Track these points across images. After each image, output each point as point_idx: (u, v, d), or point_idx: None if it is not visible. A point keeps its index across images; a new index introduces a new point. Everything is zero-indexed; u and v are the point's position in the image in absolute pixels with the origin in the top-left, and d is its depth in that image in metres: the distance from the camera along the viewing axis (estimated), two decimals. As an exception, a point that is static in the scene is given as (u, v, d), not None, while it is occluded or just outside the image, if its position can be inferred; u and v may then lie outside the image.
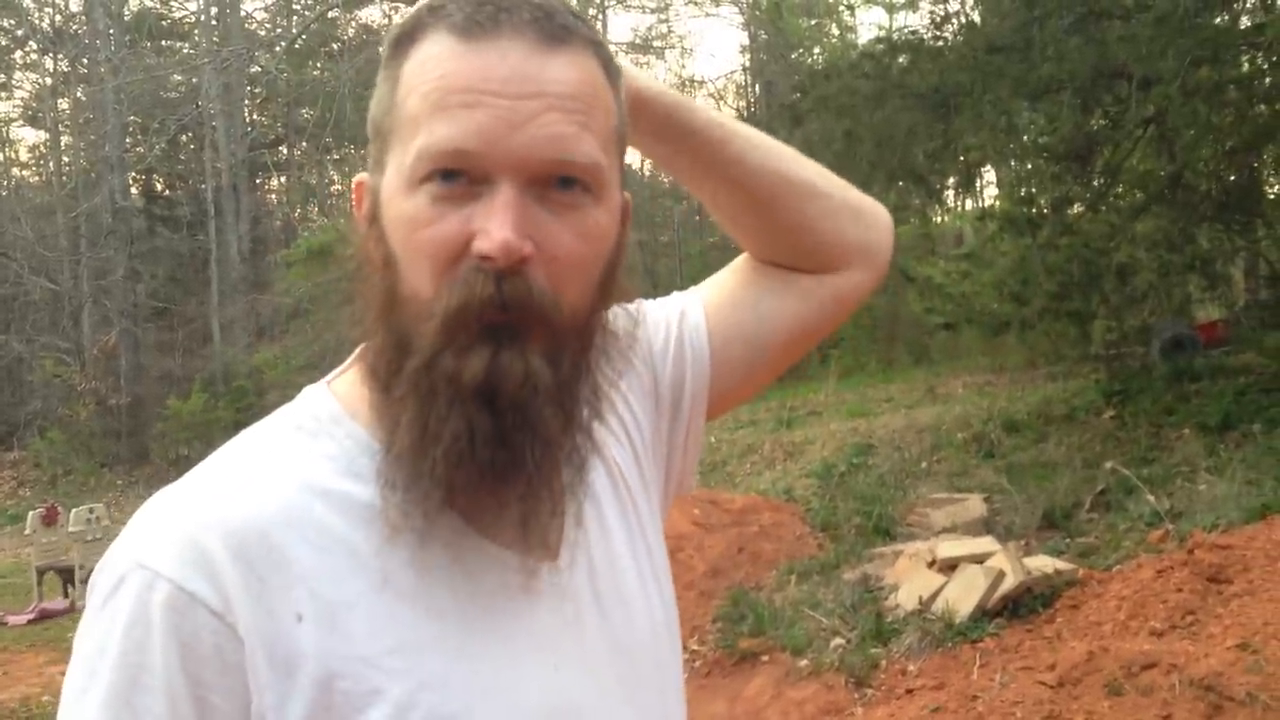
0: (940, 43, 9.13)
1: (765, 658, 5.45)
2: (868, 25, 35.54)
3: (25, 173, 30.58)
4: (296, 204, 29.80)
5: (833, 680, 4.99)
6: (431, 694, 0.73)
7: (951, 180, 10.56)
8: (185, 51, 25.59)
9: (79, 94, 24.14)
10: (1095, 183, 9.56)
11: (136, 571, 0.72)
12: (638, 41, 28.47)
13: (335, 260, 16.00)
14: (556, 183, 0.73)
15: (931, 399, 12.20)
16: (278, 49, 20.31)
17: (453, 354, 0.71)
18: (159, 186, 28.31)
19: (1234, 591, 4.59)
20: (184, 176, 27.31)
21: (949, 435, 9.66)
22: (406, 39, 0.76)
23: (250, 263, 23.72)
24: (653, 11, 28.83)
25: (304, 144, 25.30)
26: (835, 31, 28.23)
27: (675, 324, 1.01)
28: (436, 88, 0.73)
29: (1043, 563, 5.41)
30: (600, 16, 25.05)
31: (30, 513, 10.83)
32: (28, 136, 33.87)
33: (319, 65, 24.43)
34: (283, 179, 29.10)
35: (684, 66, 35.06)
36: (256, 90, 26.41)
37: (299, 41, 21.96)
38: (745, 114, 26.62)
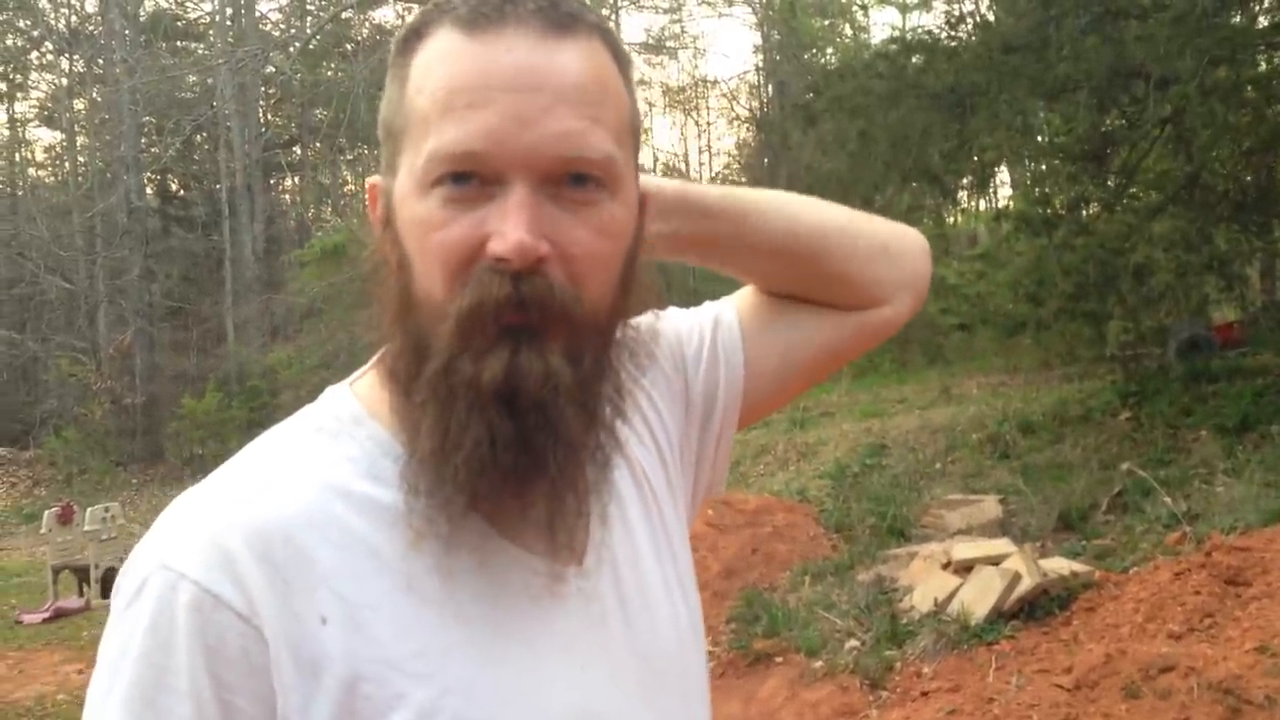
0: (955, 42, 9.08)
1: (779, 659, 5.44)
2: (880, 25, 35.48)
3: (41, 173, 30.92)
4: (310, 204, 29.95)
5: (847, 682, 4.98)
6: (455, 699, 0.73)
7: (966, 180, 10.50)
8: (200, 52, 25.76)
9: (94, 94, 24.32)
10: (1111, 183, 9.52)
11: (160, 573, 0.71)
12: (650, 42, 28.50)
13: (349, 260, 16.08)
14: (570, 180, 0.72)
15: (946, 400, 12.15)
16: (292, 50, 20.38)
17: (471, 357, 0.70)
18: (174, 187, 28.50)
19: (1252, 594, 4.57)
20: (199, 177, 27.48)
21: (964, 436, 9.62)
22: (414, 36, 0.76)
23: (264, 262, 23.84)
24: (665, 12, 28.88)
25: (318, 144, 25.47)
26: (848, 31, 28.26)
27: (709, 331, 1.00)
28: (444, 87, 0.72)
29: (1059, 565, 5.38)
30: (613, 17, 25.05)
31: (46, 512, 10.90)
32: (44, 137, 34.13)
33: (333, 66, 24.51)
34: (297, 179, 29.26)
35: (696, 67, 35.16)
36: (271, 91, 26.56)
37: (313, 42, 22.05)
38: (758, 114, 26.65)
